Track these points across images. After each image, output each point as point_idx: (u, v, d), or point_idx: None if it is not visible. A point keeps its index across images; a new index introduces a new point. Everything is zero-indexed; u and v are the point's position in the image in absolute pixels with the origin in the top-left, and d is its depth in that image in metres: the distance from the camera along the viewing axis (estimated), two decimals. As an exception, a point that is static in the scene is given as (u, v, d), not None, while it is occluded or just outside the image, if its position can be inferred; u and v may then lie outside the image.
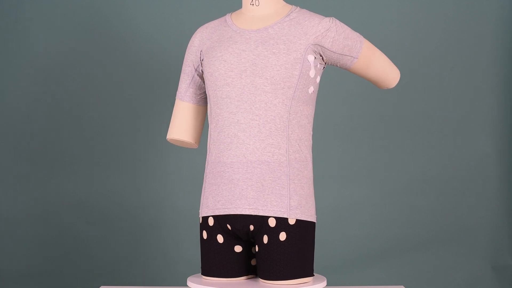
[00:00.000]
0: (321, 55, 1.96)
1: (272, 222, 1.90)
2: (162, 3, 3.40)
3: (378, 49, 2.04)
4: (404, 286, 3.02)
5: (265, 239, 1.91)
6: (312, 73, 1.94)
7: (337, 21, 1.97)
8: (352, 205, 3.41)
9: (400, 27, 3.40)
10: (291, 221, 1.90)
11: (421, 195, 3.42)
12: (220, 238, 1.98)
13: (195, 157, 3.38)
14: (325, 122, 3.40)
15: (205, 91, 2.12)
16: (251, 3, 2.01)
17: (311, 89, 1.96)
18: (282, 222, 1.89)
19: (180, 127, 2.13)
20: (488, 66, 3.43)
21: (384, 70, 2.05)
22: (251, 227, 1.93)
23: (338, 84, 3.41)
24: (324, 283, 1.98)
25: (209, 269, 2.01)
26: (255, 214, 1.91)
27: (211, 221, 1.99)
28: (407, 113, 3.43)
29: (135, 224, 3.37)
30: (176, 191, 3.39)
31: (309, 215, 1.94)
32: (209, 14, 3.40)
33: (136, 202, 3.38)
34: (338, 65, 1.99)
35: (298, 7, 2.03)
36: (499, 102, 3.44)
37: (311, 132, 2.01)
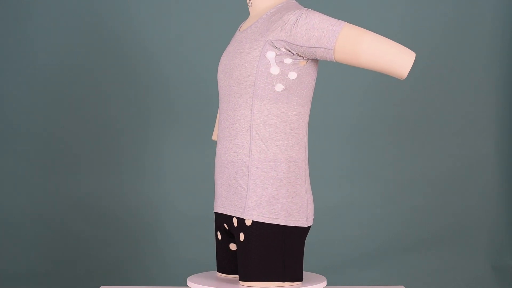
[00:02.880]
0: (289, 50, 1.85)
1: (235, 222, 1.92)
2: (162, 3, 3.40)
3: (373, 35, 1.82)
4: (404, 286, 3.02)
5: (235, 238, 1.94)
6: (274, 70, 1.85)
7: (304, 13, 1.84)
8: (352, 205, 3.41)
9: (400, 27, 3.40)
10: (248, 222, 1.88)
11: (421, 195, 3.42)
12: (219, 235, 2.03)
13: (194, 157, 3.39)
14: (325, 122, 3.40)
15: None
16: (248, 4, 2.01)
17: (280, 87, 1.86)
18: (241, 222, 1.89)
19: (217, 129, 2.21)
20: (488, 66, 3.43)
21: (381, 59, 1.82)
22: (226, 226, 1.97)
23: (337, 84, 3.41)
24: (324, 283, 1.97)
25: (217, 264, 2.07)
26: (224, 213, 1.95)
27: (214, 218, 2.04)
28: (407, 113, 3.43)
29: (135, 224, 3.37)
30: (175, 191, 3.39)
31: (271, 218, 1.87)
32: (209, 15, 3.41)
33: (136, 202, 3.38)
34: (318, 58, 1.86)
35: (291, 1, 1.97)
36: (499, 102, 3.44)
37: (291, 132, 1.89)
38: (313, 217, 1.97)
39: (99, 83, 3.39)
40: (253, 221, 1.87)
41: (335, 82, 3.39)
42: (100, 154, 3.39)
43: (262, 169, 1.88)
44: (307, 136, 1.95)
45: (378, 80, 3.36)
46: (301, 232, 1.90)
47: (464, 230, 3.41)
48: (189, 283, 1.98)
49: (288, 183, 1.89)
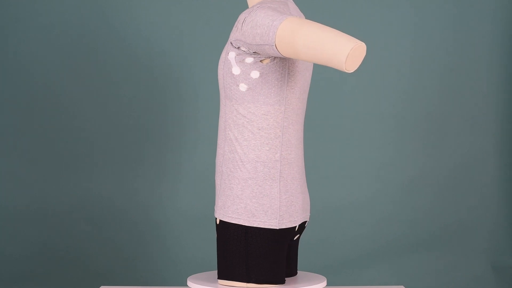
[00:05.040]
0: (249, 49, 1.82)
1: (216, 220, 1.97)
2: (162, 2, 3.39)
3: (312, 27, 1.68)
4: (404, 286, 3.02)
5: None
6: (235, 70, 1.85)
7: (254, 10, 1.78)
8: (352, 205, 3.41)
9: (400, 28, 3.40)
10: (218, 221, 1.92)
11: (421, 195, 3.42)
12: None
13: (195, 156, 3.38)
14: (325, 122, 3.40)
15: None
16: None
17: (243, 87, 1.85)
18: (215, 221, 1.94)
19: None
20: (488, 66, 3.43)
21: (316, 50, 1.66)
22: None
23: (336, 83, 3.40)
24: (324, 283, 1.98)
25: None
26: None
27: None
28: (407, 113, 3.43)
29: (135, 223, 3.37)
30: (176, 190, 3.39)
31: (233, 217, 1.88)
32: (209, 15, 3.40)
33: (136, 202, 3.38)
34: (273, 55, 1.80)
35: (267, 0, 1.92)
36: (499, 102, 3.44)
37: (259, 132, 1.86)
38: (294, 219, 1.91)
39: (100, 83, 3.39)
40: (220, 220, 1.91)
41: (334, 82, 3.39)
42: (100, 154, 3.39)
43: (231, 169, 1.90)
44: (287, 136, 1.90)
45: (378, 80, 3.36)
46: (270, 234, 1.87)
47: (464, 230, 3.41)
48: (189, 283, 1.98)
49: (254, 183, 1.88)
